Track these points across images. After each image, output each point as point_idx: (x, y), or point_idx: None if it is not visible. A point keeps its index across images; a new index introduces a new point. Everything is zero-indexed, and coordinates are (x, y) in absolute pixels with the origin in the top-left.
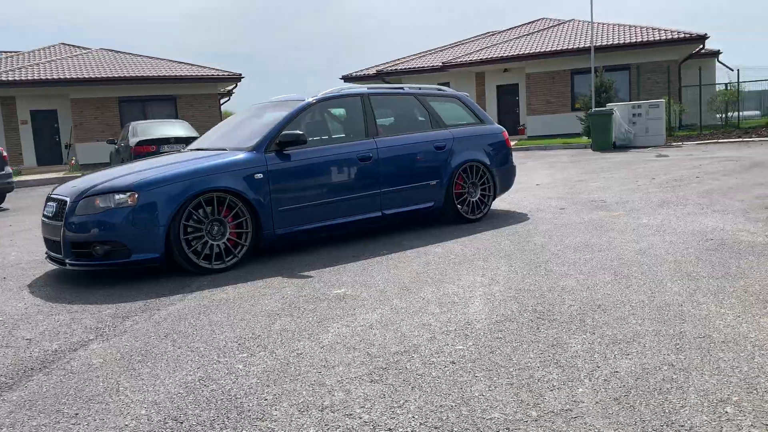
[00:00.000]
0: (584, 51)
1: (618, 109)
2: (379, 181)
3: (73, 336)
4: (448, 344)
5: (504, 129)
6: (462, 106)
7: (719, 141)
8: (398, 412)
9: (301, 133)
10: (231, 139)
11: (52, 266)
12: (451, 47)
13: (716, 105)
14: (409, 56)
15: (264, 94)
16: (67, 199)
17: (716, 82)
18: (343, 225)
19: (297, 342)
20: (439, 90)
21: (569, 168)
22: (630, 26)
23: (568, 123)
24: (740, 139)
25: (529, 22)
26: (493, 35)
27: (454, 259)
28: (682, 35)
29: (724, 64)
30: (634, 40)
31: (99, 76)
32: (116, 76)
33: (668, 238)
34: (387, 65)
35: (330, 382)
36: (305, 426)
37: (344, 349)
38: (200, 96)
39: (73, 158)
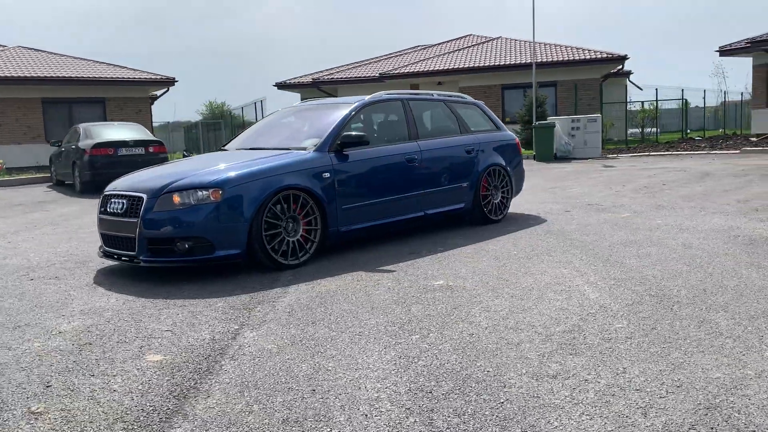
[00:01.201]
0: (516, 67)
1: (558, 123)
2: (422, 182)
3: (216, 326)
4: (605, 324)
5: (515, 136)
6: (481, 113)
7: (650, 153)
8: (625, 377)
9: (363, 134)
10: (284, 139)
11: (99, 263)
12: (386, 58)
13: (637, 121)
14: (344, 66)
15: (196, 97)
16: (143, 196)
17: (633, 100)
18: (393, 223)
19: (456, 324)
20: (461, 97)
21: (531, 177)
22: (556, 45)
23: None
24: (668, 153)
25: (458, 38)
26: (424, 49)
27: (517, 255)
28: (605, 55)
29: (634, 83)
30: (564, 59)
31: (20, 75)
32: (39, 75)
33: (697, 235)
34: (323, 74)
35: (533, 356)
36: (554, 390)
37: (510, 330)
38: (131, 99)
39: (1, 161)
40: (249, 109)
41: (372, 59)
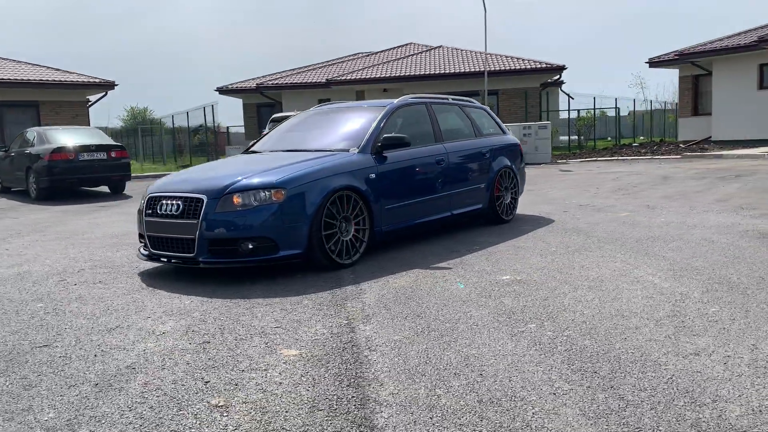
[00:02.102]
0: (463, 75)
1: (510, 130)
2: (449, 183)
3: (323, 321)
4: (700, 309)
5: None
6: (488, 117)
7: (597, 159)
8: (763, 352)
9: (404, 136)
10: (317, 141)
11: (133, 267)
12: (331, 65)
13: (576, 128)
14: (288, 71)
15: (136, 101)
16: (203, 197)
17: (573, 108)
18: (426, 223)
19: (561, 314)
20: (471, 101)
21: None
22: (497, 55)
23: None
24: (614, 158)
25: (400, 46)
26: (367, 56)
27: (556, 251)
28: (545, 65)
29: (566, 93)
30: (508, 68)
31: None
32: None
33: (709, 231)
34: (266, 79)
35: (660, 338)
36: (708, 366)
37: (618, 317)
38: (66, 103)
39: None
40: (197, 114)
41: (316, 65)
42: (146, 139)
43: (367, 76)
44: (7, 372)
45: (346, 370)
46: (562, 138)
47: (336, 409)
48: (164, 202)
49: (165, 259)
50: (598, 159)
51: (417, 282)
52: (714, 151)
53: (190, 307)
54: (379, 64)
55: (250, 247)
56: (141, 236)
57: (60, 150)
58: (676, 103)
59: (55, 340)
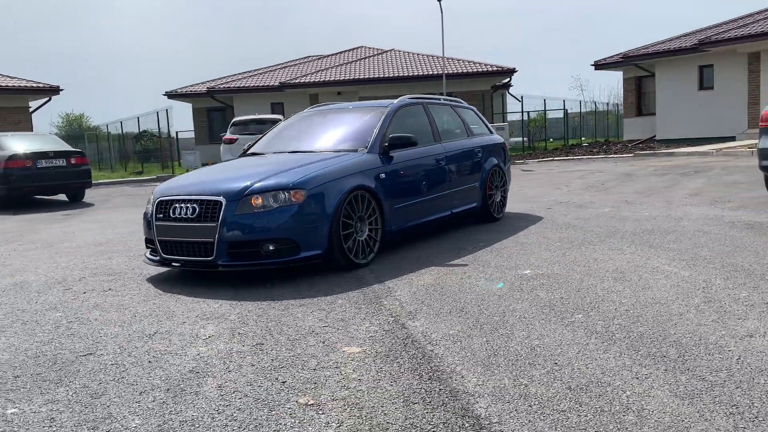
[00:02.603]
0: (417, 78)
1: None
2: (449, 183)
3: (370, 319)
4: (731, 294)
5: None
6: (476, 117)
7: (553, 159)
8: None
9: (411, 135)
10: (320, 141)
11: (138, 273)
12: (282, 68)
13: (528, 130)
14: (239, 74)
15: (72, 107)
16: (221, 200)
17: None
18: (429, 222)
19: (602, 305)
20: (460, 101)
21: None
22: (448, 58)
23: None
24: (569, 158)
25: (351, 49)
26: (319, 59)
27: (562, 246)
28: (496, 68)
29: (512, 95)
30: (462, 71)
31: None
32: None
33: (697, 223)
34: (219, 82)
35: (708, 321)
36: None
37: (657, 305)
38: (7, 109)
39: None
40: (149, 119)
41: (268, 68)
42: (91, 146)
43: (321, 80)
44: (63, 381)
45: (419, 364)
46: (512, 140)
47: (431, 402)
48: (177, 205)
49: (178, 264)
50: (555, 159)
51: (441, 279)
52: (662, 150)
53: (222, 311)
54: (331, 68)
55: (272, 248)
56: (149, 241)
57: (15, 157)
58: (616, 104)
59: (96, 349)
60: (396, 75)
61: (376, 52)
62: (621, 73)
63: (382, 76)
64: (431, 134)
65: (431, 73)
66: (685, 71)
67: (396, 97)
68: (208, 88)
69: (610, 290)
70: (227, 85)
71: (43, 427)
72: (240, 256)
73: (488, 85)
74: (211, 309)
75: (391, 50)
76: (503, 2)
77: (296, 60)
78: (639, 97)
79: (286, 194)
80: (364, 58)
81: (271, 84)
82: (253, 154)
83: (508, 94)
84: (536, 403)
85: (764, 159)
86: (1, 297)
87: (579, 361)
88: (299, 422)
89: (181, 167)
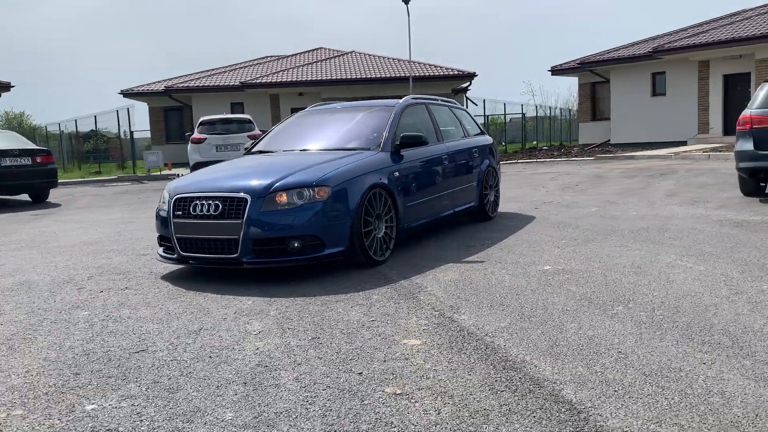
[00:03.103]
0: (380, 80)
1: None
2: (451, 181)
3: (416, 313)
4: (753, 286)
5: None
6: (470, 118)
7: (518, 161)
8: None
9: (421, 134)
10: (328, 140)
11: (147, 271)
12: (242, 68)
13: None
14: (198, 73)
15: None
16: (246, 197)
17: (477, 114)
18: (435, 221)
19: (637, 297)
20: (454, 102)
21: None
22: (410, 61)
23: None
24: (533, 160)
25: (311, 50)
26: (279, 59)
27: (567, 243)
28: (457, 72)
29: (470, 99)
30: (425, 74)
31: None
32: None
33: (687, 221)
34: (176, 81)
35: (744, 310)
36: None
37: (692, 297)
38: None
39: None
40: (107, 118)
41: (227, 68)
42: (41, 145)
43: (283, 80)
44: (129, 377)
45: (486, 355)
46: None
47: (517, 390)
48: (198, 202)
49: (195, 262)
50: (518, 161)
51: (465, 275)
52: (622, 153)
53: (258, 307)
54: (292, 68)
55: (297, 245)
56: (164, 239)
57: None
58: (569, 109)
59: (146, 346)
60: (361, 77)
61: (336, 54)
62: (576, 78)
63: (346, 77)
64: (434, 134)
65: (394, 75)
66: (638, 78)
67: (362, 98)
68: (165, 87)
69: (636, 284)
70: (185, 85)
71: (133, 421)
72: (265, 254)
73: (449, 89)
74: (246, 305)
75: (351, 52)
76: (463, 6)
77: (255, 60)
78: (594, 103)
79: (311, 191)
80: (325, 60)
81: (230, 84)
82: (260, 152)
83: (465, 98)
84: (620, 388)
85: (741, 161)
86: (13, 296)
87: (641, 349)
88: (397, 411)
89: (143, 168)
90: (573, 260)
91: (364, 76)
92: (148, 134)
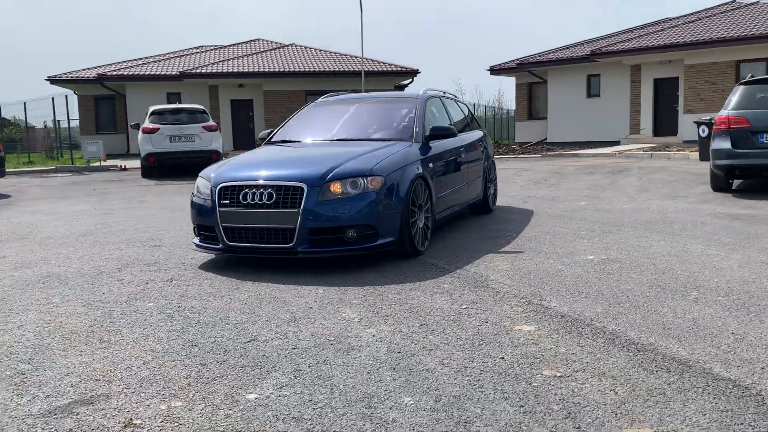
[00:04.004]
0: (324, 74)
1: None
2: (466, 174)
3: (503, 301)
4: None
5: None
6: (470, 112)
7: None
8: None
9: (451, 126)
10: (356, 131)
11: (178, 259)
12: (178, 57)
13: None
14: (132, 61)
15: None
16: (302, 185)
17: None
18: (457, 212)
19: (703, 281)
20: (458, 97)
21: None
22: (352, 56)
23: None
24: None
25: (248, 41)
26: (216, 50)
27: (586, 235)
28: (400, 68)
29: None
30: (369, 69)
31: None
32: None
33: (684, 213)
34: (109, 68)
35: None
36: None
37: (747, 283)
38: None
39: None
40: (37, 106)
41: (162, 56)
42: None
43: (223, 70)
44: (265, 366)
45: (610, 338)
46: None
47: (672, 369)
48: (249, 191)
49: (243, 251)
50: None
51: (517, 265)
52: (565, 151)
53: (335, 296)
54: (231, 59)
55: (353, 235)
56: (204, 228)
57: None
58: (501, 109)
59: (252, 335)
60: (308, 69)
61: (276, 46)
62: (514, 79)
63: (294, 69)
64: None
65: (342, 69)
66: (575, 79)
67: (309, 91)
68: (98, 74)
69: (690, 271)
70: (119, 72)
71: (312, 407)
72: (321, 243)
73: (391, 85)
74: (319, 294)
75: (291, 44)
76: (406, 6)
77: (192, 49)
78: (530, 102)
79: (365, 181)
80: (265, 51)
81: (167, 73)
82: (283, 141)
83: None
84: (766, 365)
85: (718, 159)
86: (51, 288)
87: (749, 330)
88: (574, 392)
89: (81, 158)
90: (609, 250)
91: (311, 69)
92: (77, 123)
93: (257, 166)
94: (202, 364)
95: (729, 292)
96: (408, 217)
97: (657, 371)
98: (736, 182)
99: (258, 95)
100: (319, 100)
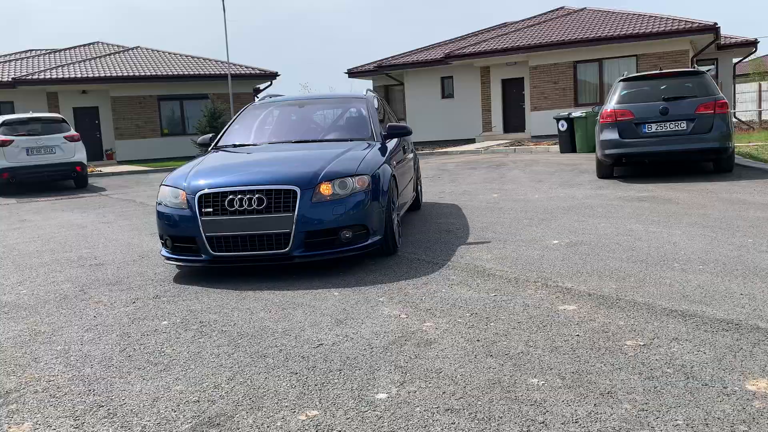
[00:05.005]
0: (176, 77)
1: None
2: (410, 171)
3: (519, 286)
4: (741, 242)
5: None
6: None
7: None
8: None
9: (406, 125)
10: (317, 132)
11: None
12: (5, 62)
13: None
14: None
15: None
16: (294, 188)
17: None
18: (405, 210)
19: (674, 252)
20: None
21: None
22: (203, 59)
23: (163, 147)
24: None
25: (87, 44)
26: (48, 54)
27: (528, 223)
28: (259, 71)
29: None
30: (224, 72)
31: None
32: None
33: (596, 199)
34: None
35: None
36: None
37: (746, 249)
38: None
39: None
40: None
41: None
42: None
43: (64, 76)
44: (362, 367)
45: (651, 309)
46: None
47: (725, 329)
48: (235, 197)
49: (231, 261)
50: None
51: (498, 253)
52: (436, 150)
53: (355, 297)
54: (71, 63)
55: (348, 236)
56: (178, 239)
57: None
58: None
59: (314, 341)
60: (160, 74)
61: (119, 49)
62: (371, 82)
63: (141, 74)
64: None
65: (195, 72)
66: (430, 81)
67: (161, 96)
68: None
69: (653, 247)
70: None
71: (457, 398)
72: (316, 246)
73: (251, 87)
74: (339, 296)
75: (136, 47)
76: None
77: (23, 53)
78: (388, 104)
79: (353, 181)
80: (108, 55)
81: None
82: (236, 146)
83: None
84: None
85: (607, 149)
86: (24, 317)
87: (759, 292)
88: (670, 356)
89: None
90: (563, 235)
91: (163, 73)
92: None
93: (235, 171)
94: (294, 372)
95: (704, 261)
96: (390, 215)
97: (718, 331)
98: (616, 170)
99: (104, 102)
100: (257, 102)
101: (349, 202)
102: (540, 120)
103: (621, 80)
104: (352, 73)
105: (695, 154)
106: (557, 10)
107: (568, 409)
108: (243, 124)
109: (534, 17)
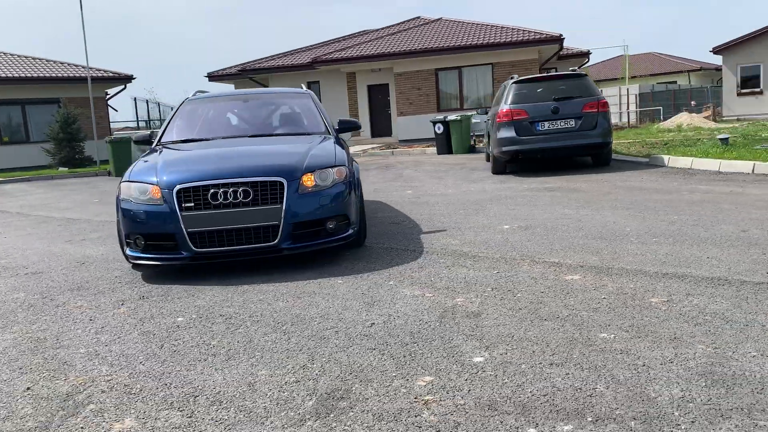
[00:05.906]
0: (47, 80)
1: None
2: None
3: (518, 266)
4: (672, 218)
5: None
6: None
7: None
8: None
9: (357, 120)
10: (273, 126)
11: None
12: None
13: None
14: None
15: None
16: (281, 180)
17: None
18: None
19: (616, 230)
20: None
21: None
22: (54, 61)
23: (2, 157)
24: None
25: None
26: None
27: (465, 213)
28: (112, 74)
29: (111, 106)
30: (79, 75)
31: None
32: None
33: (512, 191)
34: None
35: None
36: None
37: (711, 225)
38: None
39: None
40: None
41: None
42: None
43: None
44: (430, 338)
45: (660, 275)
46: None
47: (738, 287)
48: (219, 190)
49: (214, 256)
50: None
51: (465, 239)
52: None
53: (366, 283)
54: None
55: (332, 226)
56: (152, 237)
57: None
58: None
59: (365, 321)
60: (23, 75)
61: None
62: (233, 86)
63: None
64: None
65: (37, 75)
66: (296, 86)
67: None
68: None
69: (600, 224)
70: None
71: (554, 355)
72: (303, 238)
73: (102, 91)
74: (345, 284)
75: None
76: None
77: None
78: None
79: (332, 172)
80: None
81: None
82: (185, 141)
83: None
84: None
85: (504, 146)
86: (14, 324)
87: (723, 254)
88: (712, 311)
89: None
90: (511, 220)
91: (19, 75)
92: None
93: (212, 164)
94: (372, 349)
95: (653, 235)
96: (362, 206)
97: (717, 287)
98: (508, 166)
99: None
100: (190, 97)
101: (331, 193)
102: (407, 124)
103: (513, 82)
104: (213, 77)
105: (582, 149)
106: (414, 19)
107: (653, 353)
108: (184, 120)
109: (392, 26)
